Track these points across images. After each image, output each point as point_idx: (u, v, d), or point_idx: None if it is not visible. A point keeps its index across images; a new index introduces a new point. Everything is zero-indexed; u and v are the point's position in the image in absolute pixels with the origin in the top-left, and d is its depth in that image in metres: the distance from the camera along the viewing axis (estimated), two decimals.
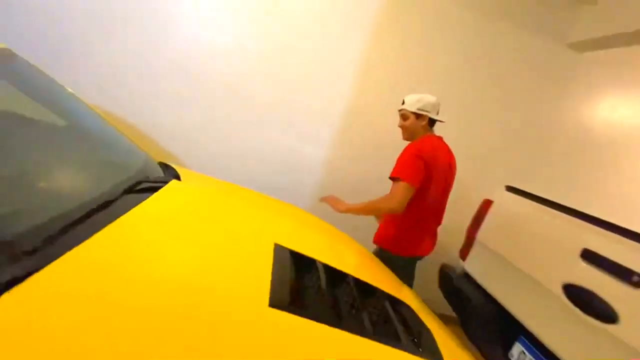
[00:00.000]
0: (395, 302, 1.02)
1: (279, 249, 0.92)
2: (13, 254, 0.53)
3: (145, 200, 0.86)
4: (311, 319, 0.69)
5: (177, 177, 1.20)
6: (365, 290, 0.98)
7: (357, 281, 0.99)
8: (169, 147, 2.29)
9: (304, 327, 0.67)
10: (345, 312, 0.81)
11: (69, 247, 0.58)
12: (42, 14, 2.11)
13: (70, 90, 1.25)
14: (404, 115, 1.69)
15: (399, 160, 1.58)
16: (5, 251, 0.53)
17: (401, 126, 1.71)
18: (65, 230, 0.63)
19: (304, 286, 0.84)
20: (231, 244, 0.90)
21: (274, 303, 0.68)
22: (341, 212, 1.62)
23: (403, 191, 1.50)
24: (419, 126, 1.66)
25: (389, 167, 1.59)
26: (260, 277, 0.76)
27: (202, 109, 2.28)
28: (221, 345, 0.54)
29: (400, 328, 0.86)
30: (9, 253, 0.53)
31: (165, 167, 1.28)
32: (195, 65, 2.22)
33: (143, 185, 0.93)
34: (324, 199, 1.73)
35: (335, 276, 0.96)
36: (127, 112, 2.23)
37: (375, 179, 2.09)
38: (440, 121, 1.70)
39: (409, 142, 1.68)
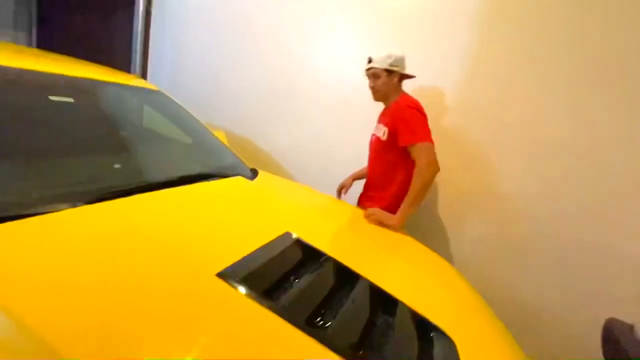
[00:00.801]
0: (424, 325, 0.82)
1: (285, 236, 0.96)
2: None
3: (196, 184, 1.18)
4: (263, 303, 0.67)
5: (249, 177, 1.45)
6: (378, 299, 0.84)
7: (375, 289, 0.87)
8: (285, 164, 2.48)
9: (240, 305, 0.67)
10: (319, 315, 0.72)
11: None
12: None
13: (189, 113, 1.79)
14: (374, 75, 1.57)
15: (401, 124, 1.47)
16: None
17: (372, 87, 1.60)
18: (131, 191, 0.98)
19: (288, 274, 0.82)
20: (239, 226, 1.01)
21: (223, 274, 0.72)
22: (397, 226, 1.40)
23: (428, 152, 1.42)
24: (391, 84, 1.56)
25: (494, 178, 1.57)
26: (241, 252, 0.82)
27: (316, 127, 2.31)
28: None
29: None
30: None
31: (253, 171, 1.57)
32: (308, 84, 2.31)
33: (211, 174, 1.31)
34: (369, 218, 1.43)
35: (343, 276, 0.89)
36: (246, 132, 2.60)
37: (481, 191, 1.76)
38: (411, 76, 1.61)
39: (381, 102, 1.64)
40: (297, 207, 1.35)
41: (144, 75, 3.17)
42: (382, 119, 1.65)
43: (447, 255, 1.86)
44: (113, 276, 0.65)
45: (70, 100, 1.25)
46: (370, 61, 1.58)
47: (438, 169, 1.46)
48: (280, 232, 0.99)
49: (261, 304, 0.67)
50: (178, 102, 1.81)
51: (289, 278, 0.81)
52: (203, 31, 2.78)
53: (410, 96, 1.59)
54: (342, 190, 1.89)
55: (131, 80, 1.69)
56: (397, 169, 1.55)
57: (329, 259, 0.93)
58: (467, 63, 1.76)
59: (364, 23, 2.07)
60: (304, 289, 0.78)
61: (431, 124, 1.54)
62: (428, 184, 1.46)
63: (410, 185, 1.45)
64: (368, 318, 0.77)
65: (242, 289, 0.70)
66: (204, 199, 1.13)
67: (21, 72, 1.15)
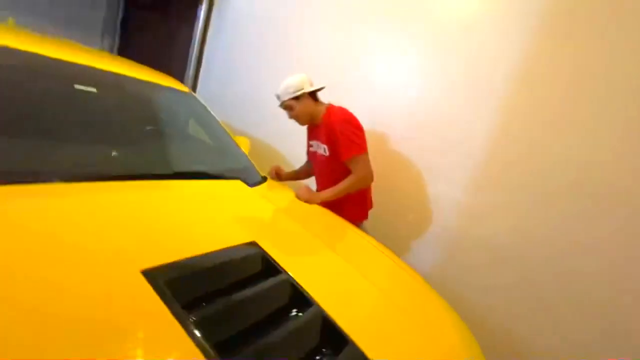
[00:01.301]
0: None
1: (248, 246, 0.89)
2: None
3: (185, 181, 1.18)
4: None
5: (252, 182, 1.45)
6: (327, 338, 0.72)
7: (328, 323, 0.75)
8: None
9: (147, 309, 0.60)
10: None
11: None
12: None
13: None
14: (287, 107, 1.67)
15: (337, 139, 1.55)
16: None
17: (293, 117, 1.68)
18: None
19: (230, 287, 0.74)
20: (203, 227, 0.96)
21: (148, 272, 0.68)
22: (316, 203, 1.54)
23: (364, 164, 1.57)
24: (307, 106, 1.64)
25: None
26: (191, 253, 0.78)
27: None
28: None
29: None
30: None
31: (263, 178, 1.59)
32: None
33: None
34: (297, 196, 1.55)
35: (293, 301, 0.78)
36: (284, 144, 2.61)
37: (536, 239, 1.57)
38: (319, 89, 1.66)
39: (311, 124, 1.73)
40: (285, 218, 1.25)
41: (195, 80, 3.40)
42: (317, 135, 1.72)
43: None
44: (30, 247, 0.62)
45: (95, 90, 1.34)
46: (278, 98, 1.69)
47: (372, 180, 1.65)
48: (247, 240, 0.91)
49: (172, 312, 0.60)
50: (204, 103, 1.87)
51: (229, 291, 0.72)
52: (252, 41, 2.91)
53: (337, 108, 1.65)
54: (274, 173, 1.87)
55: (166, 81, 1.79)
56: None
57: (286, 278, 0.82)
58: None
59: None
60: (236, 306, 0.69)
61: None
62: (353, 189, 1.60)
63: (345, 182, 1.56)
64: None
65: (161, 292, 0.63)
66: (182, 195, 1.11)
67: (72, 65, 1.30)
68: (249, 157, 1.77)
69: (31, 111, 1.10)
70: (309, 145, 1.83)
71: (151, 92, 1.66)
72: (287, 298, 0.78)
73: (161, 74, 1.93)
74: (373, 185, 1.79)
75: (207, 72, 3.35)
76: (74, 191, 0.88)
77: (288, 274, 0.82)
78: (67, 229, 0.73)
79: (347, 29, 2.28)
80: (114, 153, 1.20)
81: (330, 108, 1.65)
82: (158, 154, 1.40)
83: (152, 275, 0.66)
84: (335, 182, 1.60)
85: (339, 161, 1.60)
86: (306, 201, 1.52)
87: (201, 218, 1.01)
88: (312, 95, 1.66)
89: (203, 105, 1.85)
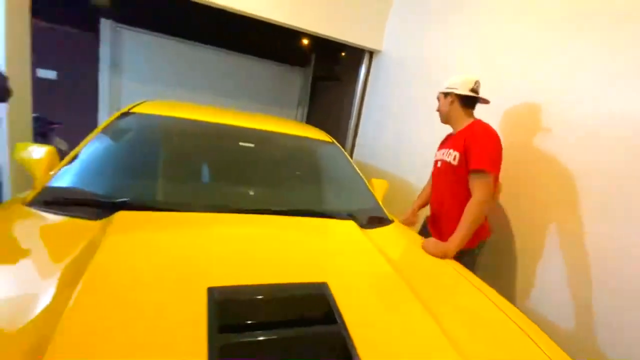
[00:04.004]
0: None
1: (316, 286, 0.86)
2: None
3: (295, 218, 1.28)
4: None
5: (373, 225, 1.43)
6: None
7: None
8: None
9: (190, 320, 0.69)
10: None
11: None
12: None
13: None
14: (438, 98, 1.67)
15: (473, 146, 1.45)
16: None
17: (437, 110, 1.69)
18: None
19: (276, 323, 0.72)
20: (287, 259, 1.01)
21: (212, 289, 0.76)
22: (452, 256, 1.36)
23: (489, 184, 1.43)
24: (452, 107, 1.60)
25: None
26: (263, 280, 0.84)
27: None
28: None
29: None
30: None
31: (389, 220, 1.56)
32: None
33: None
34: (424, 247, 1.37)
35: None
36: None
37: None
38: (475, 98, 1.58)
39: (449, 134, 1.70)
40: (380, 263, 1.09)
41: (356, 130, 3.74)
42: (448, 144, 1.64)
43: None
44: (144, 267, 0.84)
45: (252, 145, 1.72)
46: None
47: (490, 205, 1.58)
48: (320, 280, 0.87)
49: (208, 330, 0.64)
50: (345, 153, 2.01)
51: (274, 326, 0.70)
52: (401, 93, 2.99)
53: (486, 123, 1.55)
54: (408, 222, 1.81)
55: (314, 134, 2.06)
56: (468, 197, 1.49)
57: (338, 330, 0.71)
58: None
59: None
60: (269, 344, 0.65)
61: None
62: (480, 218, 1.45)
63: (467, 217, 1.42)
64: None
65: (211, 309, 0.69)
66: (286, 229, 1.20)
67: (240, 129, 1.75)
68: (381, 199, 1.74)
69: (202, 162, 1.53)
70: (436, 158, 1.74)
71: (298, 143, 1.95)
72: (327, 350, 0.67)
73: (312, 128, 2.25)
74: None
75: (365, 121, 3.63)
76: (204, 219, 1.14)
77: (344, 326, 0.72)
78: (183, 243, 0.96)
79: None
80: (251, 192, 1.46)
81: (478, 122, 1.55)
82: (285, 193, 1.60)
83: (212, 292, 0.74)
84: (450, 193, 1.58)
85: (463, 172, 1.50)
86: (440, 257, 1.32)
87: (291, 251, 1.06)
88: (464, 100, 1.57)
89: (342, 153, 1.99)
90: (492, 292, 1.08)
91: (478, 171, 1.42)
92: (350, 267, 1.05)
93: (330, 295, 0.81)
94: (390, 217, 1.61)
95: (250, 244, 1.04)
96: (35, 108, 2.56)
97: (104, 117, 4.31)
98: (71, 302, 0.65)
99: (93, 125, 4.30)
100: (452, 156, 1.55)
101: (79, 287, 0.69)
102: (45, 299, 0.68)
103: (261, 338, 0.66)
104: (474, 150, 1.44)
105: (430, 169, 1.84)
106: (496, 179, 1.50)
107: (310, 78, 5.41)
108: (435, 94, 1.70)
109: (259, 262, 0.94)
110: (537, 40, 1.80)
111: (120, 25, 4.26)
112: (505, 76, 1.95)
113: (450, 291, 1.10)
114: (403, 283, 0.97)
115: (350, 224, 1.33)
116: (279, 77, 5.27)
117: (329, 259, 1.06)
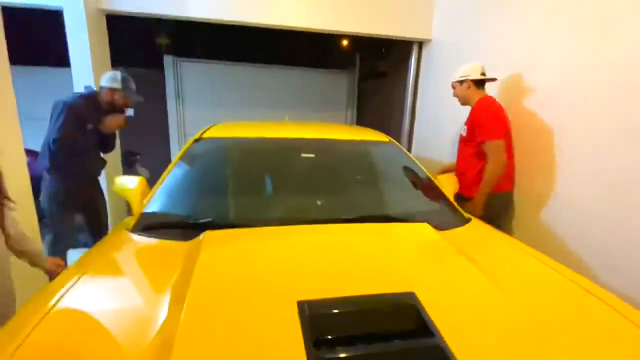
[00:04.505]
0: None
1: (405, 296, 0.84)
2: None
3: (368, 225, 1.26)
4: None
5: (446, 226, 1.33)
6: None
7: None
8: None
9: (279, 334, 0.71)
10: None
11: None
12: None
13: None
14: (453, 87, 2.08)
15: (477, 122, 1.89)
16: None
17: (454, 96, 2.09)
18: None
19: (368, 337, 0.71)
20: (368, 269, 0.99)
21: (303, 303, 0.79)
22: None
23: (498, 149, 1.83)
24: (467, 92, 1.99)
25: None
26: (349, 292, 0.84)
27: None
28: None
29: None
30: None
31: (465, 219, 1.47)
32: None
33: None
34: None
35: None
36: None
37: None
38: (486, 79, 1.98)
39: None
40: (466, 267, 1.01)
41: (411, 127, 3.61)
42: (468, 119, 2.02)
43: None
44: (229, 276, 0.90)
45: (313, 156, 1.74)
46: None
47: (505, 164, 1.87)
48: (407, 290, 0.84)
49: (305, 345, 0.65)
50: (405, 151, 1.95)
51: (368, 341, 0.69)
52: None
53: (489, 97, 1.96)
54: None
55: (370, 136, 2.03)
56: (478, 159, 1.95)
57: (437, 344, 0.68)
58: None
59: None
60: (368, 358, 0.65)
61: None
62: (496, 178, 1.86)
63: (485, 178, 1.87)
64: None
65: (304, 323, 0.71)
66: (361, 238, 1.18)
67: (298, 140, 1.80)
68: (452, 196, 1.64)
69: (272, 176, 1.60)
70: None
71: (356, 148, 1.93)
72: None
73: (368, 130, 2.22)
74: None
75: (421, 114, 3.48)
76: (282, 232, 1.18)
77: (441, 338, 0.68)
78: (267, 256, 1.01)
79: None
80: (324, 203, 1.48)
81: (481, 99, 1.94)
82: (355, 200, 1.58)
83: (303, 306, 0.75)
84: (465, 161, 2.02)
85: (472, 142, 1.94)
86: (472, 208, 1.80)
87: (370, 259, 1.04)
88: (477, 83, 1.97)
89: (402, 151, 1.93)
90: (589, 284, 0.97)
91: (484, 142, 1.87)
92: (434, 273, 1.00)
93: (420, 305, 0.78)
94: (466, 215, 1.51)
95: (331, 255, 1.05)
96: (120, 143, 2.92)
97: (175, 144, 4.76)
98: (182, 316, 0.72)
99: (166, 152, 4.78)
100: (464, 130, 2.02)
101: (186, 304, 0.76)
102: (162, 314, 0.76)
103: (359, 353, 0.65)
104: (477, 125, 1.89)
105: None
106: (506, 141, 1.86)
107: (357, 78, 5.37)
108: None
109: (342, 273, 0.95)
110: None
111: (180, 59, 4.67)
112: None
113: (547, 293, 0.98)
114: (494, 287, 0.90)
115: (426, 227, 1.27)
116: (326, 82, 5.32)
117: (411, 266, 1.03)
